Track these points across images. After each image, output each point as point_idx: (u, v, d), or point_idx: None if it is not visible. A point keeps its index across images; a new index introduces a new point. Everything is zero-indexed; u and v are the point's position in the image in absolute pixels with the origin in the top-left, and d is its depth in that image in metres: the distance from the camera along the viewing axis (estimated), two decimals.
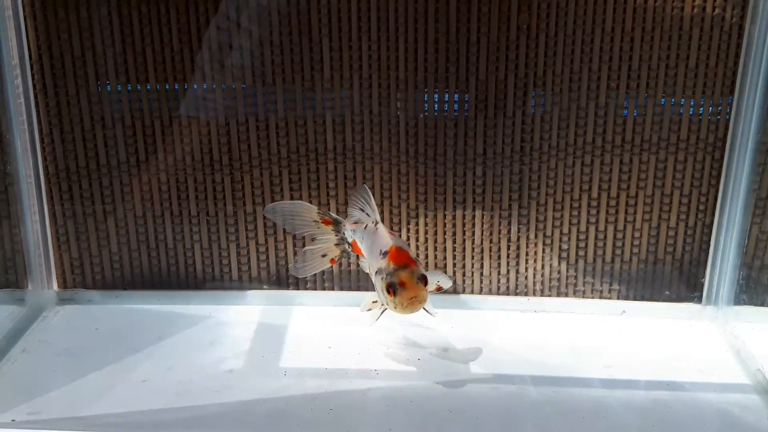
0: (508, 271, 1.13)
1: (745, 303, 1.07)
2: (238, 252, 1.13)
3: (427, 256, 1.13)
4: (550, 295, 1.14)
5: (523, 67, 1.03)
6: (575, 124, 1.06)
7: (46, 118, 1.06)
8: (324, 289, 1.15)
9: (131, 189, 1.10)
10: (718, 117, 1.05)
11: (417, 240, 1.12)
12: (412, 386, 0.94)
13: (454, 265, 1.13)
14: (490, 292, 1.14)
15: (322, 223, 1.01)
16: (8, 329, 1.04)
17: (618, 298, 1.13)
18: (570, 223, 1.10)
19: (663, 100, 1.04)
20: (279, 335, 1.05)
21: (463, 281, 1.13)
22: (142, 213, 1.11)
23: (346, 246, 1.00)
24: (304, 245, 1.13)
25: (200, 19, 1.03)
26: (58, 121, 1.06)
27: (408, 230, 1.12)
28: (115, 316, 1.10)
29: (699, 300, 1.11)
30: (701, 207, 1.09)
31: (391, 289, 0.87)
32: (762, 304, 1.05)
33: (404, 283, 0.87)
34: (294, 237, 1.13)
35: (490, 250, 1.12)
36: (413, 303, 0.87)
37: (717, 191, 1.08)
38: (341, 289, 1.16)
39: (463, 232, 1.11)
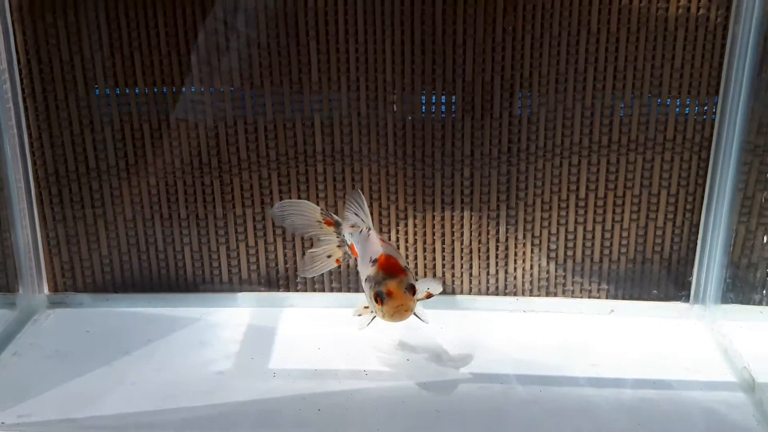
0: (497, 271, 1.13)
1: (733, 301, 1.07)
2: (228, 254, 1.14)
3: (416, 257, 1.13)
4: (539, 295, 1.14)
5: (509, 68, 1.04)
6: (562, 125, 1.06)
7: (35, 122, 1.06)
8: (315, 290, 1.16)
9: (121, 192, 1.10)
10: (704, 117, 1.06)
11: (406, 241, 1.13)
12: (400, 387, 0.95)
13: (443, 265, 1.13)
14: (479, 293, 1.14)
15: (325, 224, 1.02)
16: None
17: (606, 298, 1.14)
18: (558, 224, 1.11)
19: (649, 100, 1.05)
20: (269, 337, 1.06)
21: (453, 282, 1.14)
22: (132, 216, 1.11)
23: (346, 248, 1.01)
24: (294, 247, 1.14)
25: (188, 23, 1.03)
26: (47, 126, 1.07)
27: (397, 231, 1.12)
28: (105, 318, 1.11)
29: (687, 299, 1.12)
30: (688, 206, 1.09)
31: (379, 298, 0.88)
32: (749, 303, 1.06)
33: (391, 293, 0.88)
34: (284, 240, 1.13)
35: (479, 251, 1.12)
36: (400, 312, 0.88)
37: (704, 191, 1.08)
38: (332, 290, 1.16)
39: (452, 233, 1.12)
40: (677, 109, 1.06)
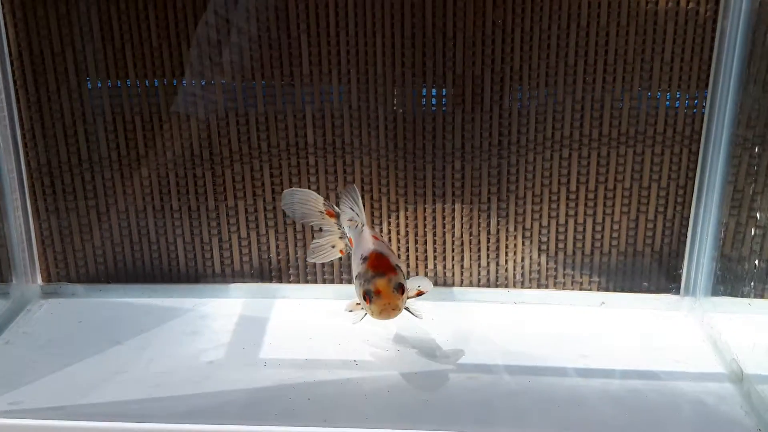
0: (488, 263, 1.14)
1: (722, 294, 1.07)
2: (221, 246, 1.14)
3: (408, 250, 1.14)
4: (530, 287, 1.15)
5: (499, 62, 1.04)
6: (552, 118, 1.07)
7: (28, 114, 1.07)
8: (307, 282, 1.17)
9: (113, 184, 1.11)
10: (695, 110, 1.06)
11: (398, 233, 1.13)
12: (390, 377, 0.95)
13: (435, 257, 1.14)
14: (470, 284, 1.15)
15: (327, 214, 1.03)
16: None
17: (598, 290, 1.14)
18: (549, 216, 1.11)
19: (639, 93, 1.05)
20: (260, 327, 1.06)
21: (444, 273, 1.15)
22: (124, 207, 1.12)
23: (347, 240, 1.02)
24: (286, 239, 1.14)
25: (179, 16, 1.04)
26: (39, 117, 1.07)
27: (389, 224, 1.13)
28: (98, 309, 1.11)
29: (677, 291, 1.12)
30: (679, 199, 1.10)
31: (367, 296, 0.89)
32: (738, 295, 1.06)
33: (380, 292, 0.89)
34: (276, 231, 1.14)
35: (470, 243, 1.13)
36: (387, 311, 0.89)
37: (694, 184, 1.09)
38: (324, 282, 1.17)
39: (443, 225, 1.12)
40: (667, 103, 1.06)
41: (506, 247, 1.13)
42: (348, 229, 1.01)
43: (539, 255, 1.13)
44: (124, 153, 1.09)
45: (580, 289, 1.15)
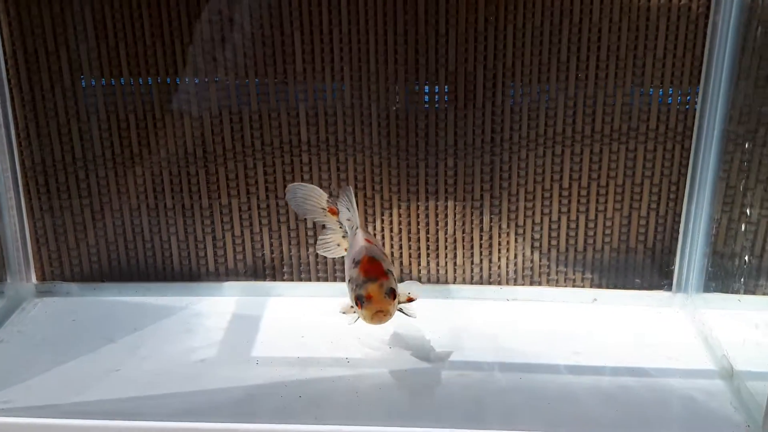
0: (481, 260, 1.14)
1: (714, 290, 1.08)
2: (215, 244, 1.14)
3: (401, 247, 1.14)
4: (523, 284, 1.15)
5: (491, 58, 1.04)
6: (545, 115, 1.07)
7: (22, 112, 1.07)
8: (301, 280, 1.17)
9: (107, 182, 1.11)
10: (687, 106, 1.06)
11: (391, 231, 1.13)
12: (382, 374, 0.96)
13: (428, 255, 1.14)
14: (463, 282, 1.15)
15: (329, 212, 1.03)
16: None
17: (590, 287, 1.15)
18: (542, 213, 1.12)
19: (632, 90, 1.05)
20: (253, 325, 1.07)
21: (437, 271, 1.15)
22: (118, 206, 1.12)
23: (349, 239, 1.02)
24: (280, 237, 1.14)
25: (172, 14, 1.04)
26: (33, 116, 1.07)
27: (382, 221, 1.13)
28: (92, 307, 1.12)
29: (669, 288, 1.12)
30: (672, 196, 1.10)
31: (359, 301, 0.90)
32: (729, 291, 1.06)
33: (371, 297, 0.89)
34: (270, 230, 1.14)
35: (463, 240, 1.13)
36: (378, 317, 0.89)
37: (686, 180, 1.09)
38: (318, 280, 1.17)
39: (436, 223, 1.12)
40: (660, 99, 1.06)
41: (499, 244, 1.13)
42: (349, 229, 1.01)
43: (532, 252, 1.13)
44: (118, 151, 1.10)
45: (573, 286, 1.15)
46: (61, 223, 1.13)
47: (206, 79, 1.07)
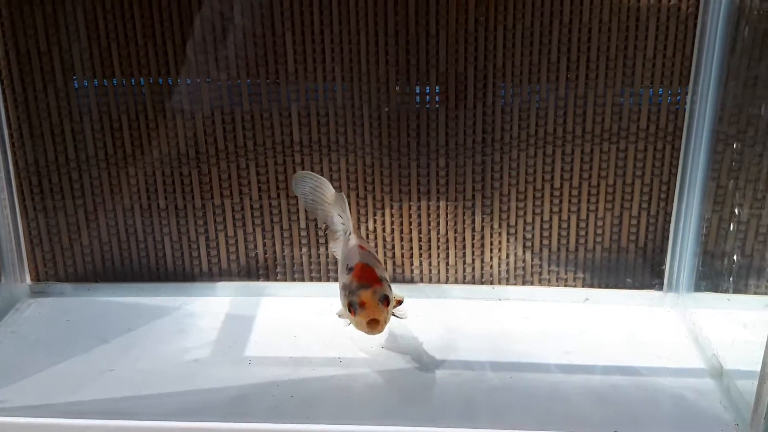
0: (473, 260, 1.15)
1: (704, 289, 1.08)
2: (208, 244, 1.15)
3: (393, 247, 1.14)
4: (515, 284, 1.16)
5: (482, 59, 1.04)
6: (536, 115, 1.07)
7: (15, 113, 1.08)
8: (294, 280, 1.17)
9: (100, 183, 1.11)
10: (677, 106, 1.06)
11: (383, 231, 1.14)
12: (373, 374, 0.96)
13: (420, 254, 1.14)
14: (455, 281, 1.16)
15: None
16: None
17: (582, 286, 1.15)
18: (533, 213, 1.12)
19: (622, 90, 1.06)
20: (246, 325, 1.07)
21: (429, 271, 1.15)
22: (112, 207, 1.13)
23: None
24: (273, 237, 1.15)
25: (164, 15, 1.04)
26: (26, 117, 1.08)
27: (374, 221, 1.13)
28: (86, 307, 1.12)
29: (660, 287, 1.13)
30: (662, 195, 1.10)
31: (352, 308, 0.89)
32: (720, 291, 1.07)
33: (364, 303, 0.88)
34: (263, 230, 1.14)
35: (455, 240, 1.13)
36: (372, 325, 0.88)
37: (677, 180, 1.09)
38: (311, 280, 1.17)
39: (428, 223, 1.13)
40: (650, 99, 1.07)
41: (491, 243, 1.14)
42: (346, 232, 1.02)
43: (524, 252, 1.14)
44: (111, 152, 1.10)
45: (565, 286, 1.15)
46: (55, 224, 1.13)
47: (198, 80, 1.07)
